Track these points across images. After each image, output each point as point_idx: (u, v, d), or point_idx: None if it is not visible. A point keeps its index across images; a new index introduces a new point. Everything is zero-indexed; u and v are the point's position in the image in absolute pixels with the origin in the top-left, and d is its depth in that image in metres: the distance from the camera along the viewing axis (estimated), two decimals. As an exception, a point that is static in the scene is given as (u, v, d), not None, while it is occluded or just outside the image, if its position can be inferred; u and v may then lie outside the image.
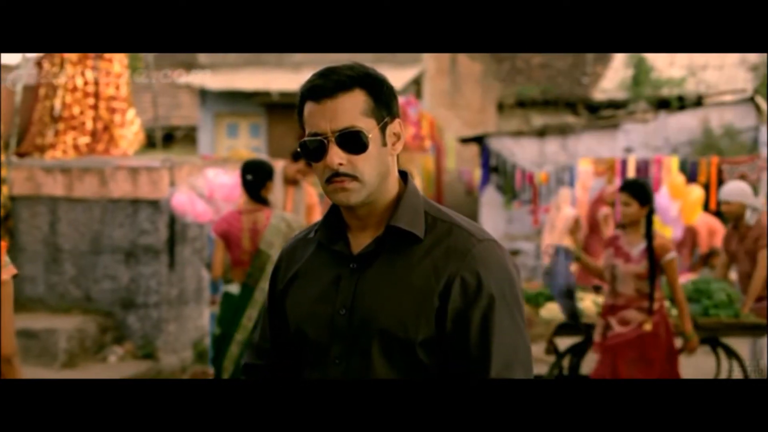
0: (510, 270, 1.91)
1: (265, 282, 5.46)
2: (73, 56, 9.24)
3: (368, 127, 1.88)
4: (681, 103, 16.24)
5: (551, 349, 6.56)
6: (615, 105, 17.70)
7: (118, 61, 9.64)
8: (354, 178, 1.87)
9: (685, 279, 7.12)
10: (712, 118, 13.63)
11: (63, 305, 8.16)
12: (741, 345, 6.75)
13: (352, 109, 1.87)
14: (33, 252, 8.28)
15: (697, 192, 9.71)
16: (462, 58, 16.91)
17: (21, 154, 9.05)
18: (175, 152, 14.89)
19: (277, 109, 15.30)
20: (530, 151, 13.91)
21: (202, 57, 16.13)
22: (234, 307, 5.57)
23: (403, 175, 1.99)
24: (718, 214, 9.51)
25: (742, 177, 10.16)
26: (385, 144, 1.92)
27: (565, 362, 6.62)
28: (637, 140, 13.61)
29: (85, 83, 9.36)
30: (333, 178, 1.88)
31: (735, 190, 6.62)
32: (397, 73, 13.49)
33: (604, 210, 9.50)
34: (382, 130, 1.91)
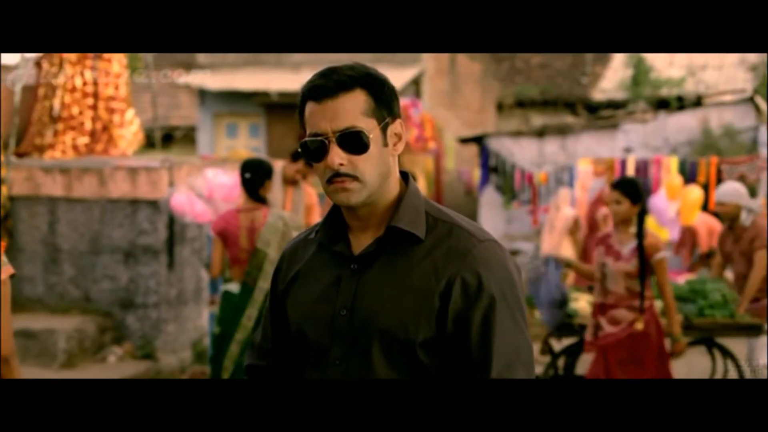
0: (511, 270, 1.91)
1: (264, 281, 5.46)
2: (72, 56, 9.23)
3: (369, 127, 1.88)
4: (680, 103, 16.25)
5: (546, 349, 6.57)
6: (614, 105, 17.71)
7: (117, 61, 9.63)
8: (355, 178, 1.87)
9: (683, 279, 7.12)
10: (712, 118, 13.64)
11: (62, 305, 8.15)
12: (736, 345, 6.75)
13: (353, 109, 1.87)
14: (32, 252, 8.27)
15: (696, 192, 9.71)
16: (461, 58, 16.91)
17: (20, 154, 9.04)
18: (175, 152, 14.90)
19: (276, 109, 15.30)
20: (529, 151, 13.92)
21: (202, 57, 16.13)
22: (234, 306, 5.57)
23: (404, 176, 1.99)
24: (717, 214, 9.51)
25: (742, 177, 10.16)
26: (386, 144, 1.92)
27: (561, 363, 6.62)
28: (636, 140, 13.62)
29: (84, 83, 9.35)
30: (334, 179, 1.88)
31: (730, 191, 6.62)
32: (396, 73, 13.48)
33: (604, 210, 9.49)
34: (383, 130, 1.91)
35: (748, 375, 6.25)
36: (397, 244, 1.91)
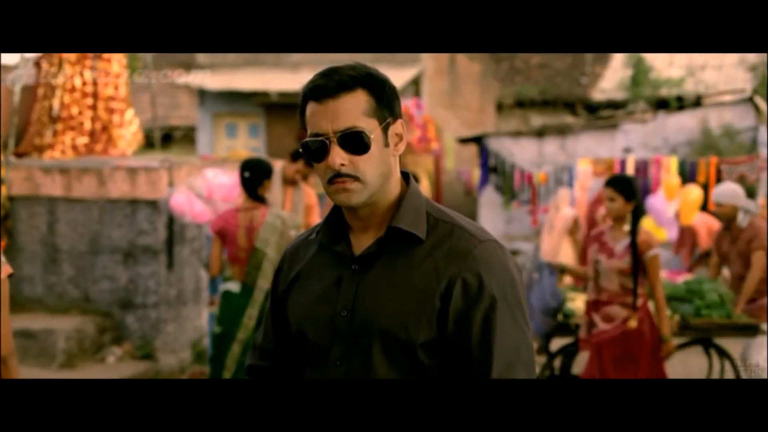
0: (512, 270, 1.91)
1: (263, 280, 5.47)
2: (71, 56, 9.23)
3: (370, 127, 1.88)
4: (680, 103, 16.25)
5: (542, 349, 6.57)
6: (614, 105, 17.71)
7: (117, 61, 9.63)
8: (356, 178, 1.87)
9: (682, 279, 7.11)
10: (711, 118, 13.64)
11: (61, 305, 8.15)
12: (733, 345, 6.75)
13: (354, 109, 1.87)
14: (31, 252, 8.27)
15: (695, 192, 9.72)
16: (461, 58, 16.91)
17: (19, 155, 9.04)
18: (174, 152, 14.89)
19: (275, 109, 15.30)
20: (529, 151, 13.92)
21: (201, 57, 16.13)
22: (234, 306, 5.58)
23: (405, 176, 1.99)
24: (716, 214, 9.51)
25: (741, 177, 10.16)
26: (387, 144, 1.91)
27: (557, 363, 6.62)
28: (636, 140, 13.62)
29: (84, 83, 9.35)
30: (335, 179, 1.87)
31: (727, 191, 6.62)
32: (395, 73, 13.48)
33: (603, 210, 9.50)
34: (384, 130, 1.91)
35: (744, 375, 6.24)
36: (397, 244, 1.91)
